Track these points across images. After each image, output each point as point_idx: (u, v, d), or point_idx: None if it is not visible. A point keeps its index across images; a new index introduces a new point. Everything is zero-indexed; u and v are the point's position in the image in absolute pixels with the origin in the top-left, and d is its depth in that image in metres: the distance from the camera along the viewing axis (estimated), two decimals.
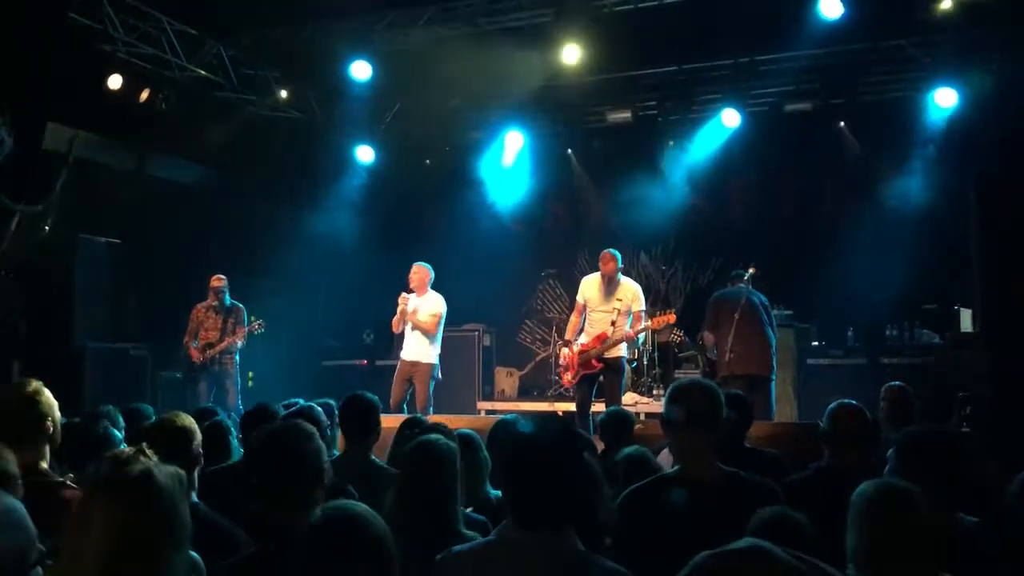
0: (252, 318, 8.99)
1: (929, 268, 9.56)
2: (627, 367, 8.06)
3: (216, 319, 8.82)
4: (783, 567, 1.42)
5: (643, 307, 7.86)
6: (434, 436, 3.00)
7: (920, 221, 9.65)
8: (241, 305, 8.96)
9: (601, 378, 7.77)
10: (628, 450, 3.93)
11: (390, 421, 6.98)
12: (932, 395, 7.10)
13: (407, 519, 2.70)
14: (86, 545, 1.86)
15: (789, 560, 1.44)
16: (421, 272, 8.42)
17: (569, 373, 7.91)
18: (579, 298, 7.99)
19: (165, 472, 1.98)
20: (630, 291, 7.80)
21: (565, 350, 8.03)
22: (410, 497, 2.78)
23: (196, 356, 8.71)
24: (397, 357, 8.59)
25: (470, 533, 2.78)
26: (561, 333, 9.39)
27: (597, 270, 8.09)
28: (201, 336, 8.80)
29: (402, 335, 8.40)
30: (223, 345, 8.70)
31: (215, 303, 8.82)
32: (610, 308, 7.68)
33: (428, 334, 8.22)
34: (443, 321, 8.37)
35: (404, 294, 8.33)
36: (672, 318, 8.13)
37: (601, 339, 7.66)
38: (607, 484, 3.17)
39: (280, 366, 10.09)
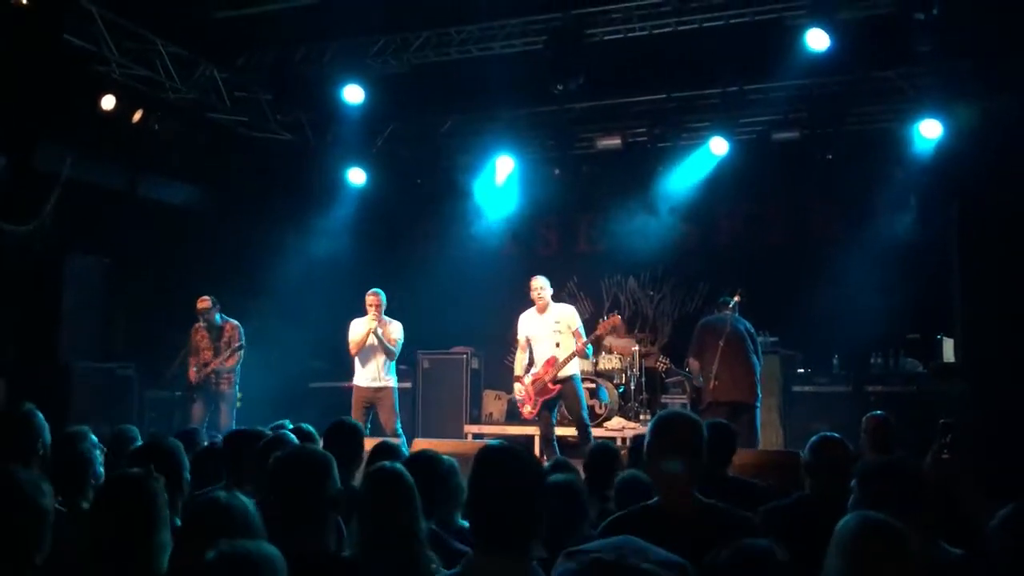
0: None
1: (914, 297, 9.63)
2: (580, 385, 8.18)
3: (209, 338, 8.87)
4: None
5: (580, 324, 8.06)
6: (388, 463, 3.00)
7: (905, 250, 9.75)
8: (235, 322, 8.96)
9: (561, 401, 7.93)
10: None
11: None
12: (914, 424, 7.15)
13: (369, 547, 2.69)
14: None
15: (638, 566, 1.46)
16: (378, 299, 8.47)
17: (527, 405, 8.04)
18: (520, 336, 8.19)
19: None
20: (565, 312, 8.08)
21: (518, 385, 8.15)
22: (371, 527, 2.76)
23: (193, 376, 8.75)
24: None
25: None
26: None
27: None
28: (200, 356, 8.86)
29: (354, 361, 8.46)
30: (215, 364, 8.73)
31: (205, 324, 8.87)
32: (550, 331, 7.94)
33: (389, 359, 8.39)
34: (398, 343, 8.54)
35: (369, 317, 8.34)
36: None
37: (552, 363, 7.86)
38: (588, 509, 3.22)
39: (268, 387, 10.08)
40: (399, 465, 2.98)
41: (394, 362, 8.50)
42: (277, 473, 2.75)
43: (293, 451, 2.94)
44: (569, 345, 7.88)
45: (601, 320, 8.86)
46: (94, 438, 4.24)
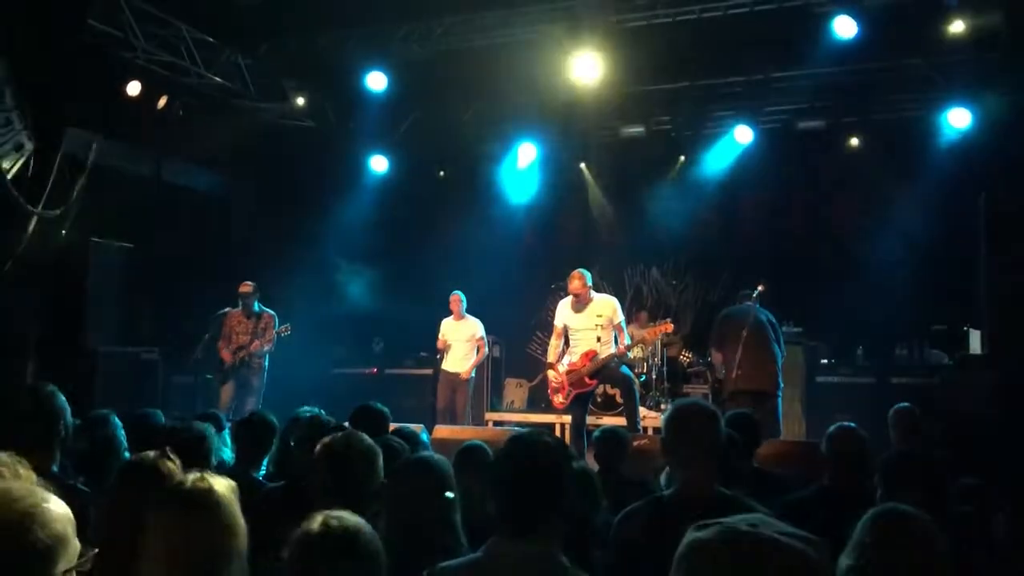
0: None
1: (939, 288, 9.55)
2: (630, 374, 8.06)
3: (247, 324, 8.99)
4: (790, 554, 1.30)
5: (623, 318, 7.83)
6: (428, 453, 2.99)
7: (931, 240, 9.65)
8: (272, 312, 9.09)
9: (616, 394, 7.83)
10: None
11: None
12: (940, 416, 7.07)
13: (401, 537, 2.70)
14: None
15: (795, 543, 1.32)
16: (456, 298, 9.57)
17: (560, 395, 7.84)
18: (557, 323, 7.93)
19: (223, 484, 2.09)
20: (609, 305, 7.75)
21: (552, 372, 7.95)
22: (403, 516, 2.77)
23: (227, 358, 8.85)
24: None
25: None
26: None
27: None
28: (233, 341, 8.95)
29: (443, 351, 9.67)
30: (253, 347, 8.83)
31: (243, 310, 8.97)
32: (592, 325, 7.65)
33: (470, 353, 9.57)
34: (485, 337, 9.72)
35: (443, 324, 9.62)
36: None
37: (590, 356, 7.63)
38: (602, 500, 3.20)
39: (290, 373, 10.14)
40: (437, 456, 2.97)
41: (474, 354, 9.62)
42: (330, 462, 2.77)
43: (353, 444, 2.92)
44: (609, 340, 7.65)
45: (652, 325, 8.79)
46: (117, 421, 4.29)
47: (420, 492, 2.77)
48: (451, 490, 2.82)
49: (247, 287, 9.00)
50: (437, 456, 2.96)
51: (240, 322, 9.00)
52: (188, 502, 1.99)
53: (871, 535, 2.23)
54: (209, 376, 9.21)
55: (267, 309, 9.12)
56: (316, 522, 1.94)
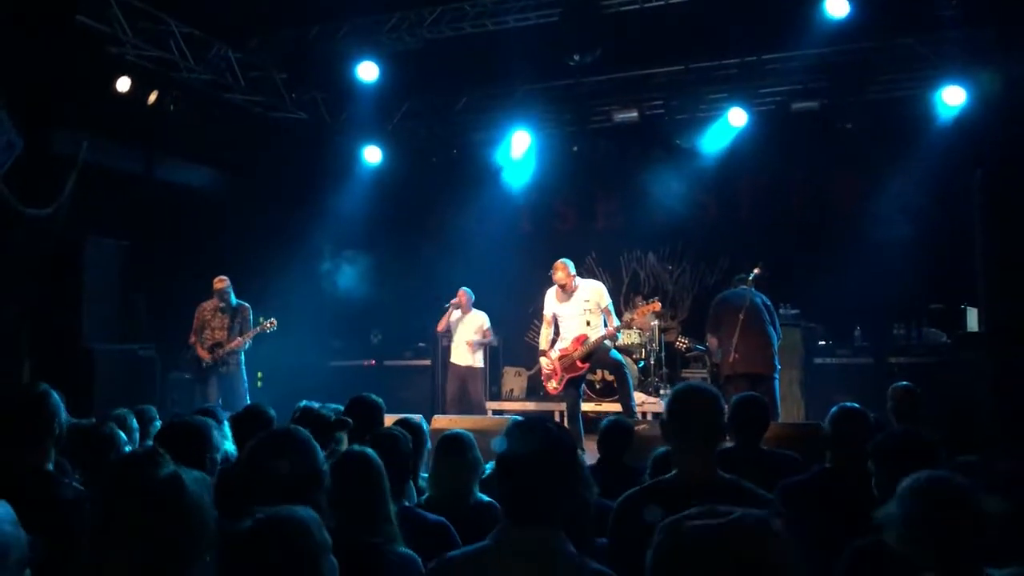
0: (261, 319, 9.06)
1: (936, 266, 9.54)
2: (622, 359, 8.13)
3: (223, 319, 8.90)
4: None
5: (610, 301, 7.97)
6: (357, 446, 3.00)
7: (928, 219, 9.63)
8: (247, 305, 9.03)
9: (612, 379, 7.86)
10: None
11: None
12: (939, 394, 7.07)
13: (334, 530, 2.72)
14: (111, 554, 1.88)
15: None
16: (462, 294, 9.80)
17: (553, 380, 7.96)
18: (546, 312, 8.12)
19: (191, 477, 2.01)
20: (595, 290, 7.93)
21: (544, 360, 8.07)
22: (337, 507, 2.78)
23: (205, 356, 8.78)
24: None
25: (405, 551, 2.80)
26: None
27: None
28: (207, 336, 8.87)
29: (446, 337, 9.99)
30: (233, 345, 8.77)
31: (221, 304, 8.90)
32: (580, 311, 7.84)
33: (479, 343, 9.81)
34: (491, 328, 9.96)
35: (451, 306, 9.79)
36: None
37: (581, 340, 7.76)
38: (594, 486, 3.20)
39: (288, 366, 10.14)
40: (368, 449, 2.97)
41: (483, 346, 9.94)
42: (256, 452, 2.77)
43: (271, 431, 2.94)
44: (599, 323, 7.77)
45: (641, 304, 8.82)
46: (134, 423, 4.26)
47: (355, 482, 2.78)
48: (384, 481, 2.84)
49: (222, 282, 8.93)
50: (368, 449, 2.97)
51: (215, 316, 8.94)
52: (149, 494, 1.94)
53: (918, 505, 2.23)
54: (187, 376, 9.19)
55: (242, 302, 9.06)
56: (252, 518, 1.89)
